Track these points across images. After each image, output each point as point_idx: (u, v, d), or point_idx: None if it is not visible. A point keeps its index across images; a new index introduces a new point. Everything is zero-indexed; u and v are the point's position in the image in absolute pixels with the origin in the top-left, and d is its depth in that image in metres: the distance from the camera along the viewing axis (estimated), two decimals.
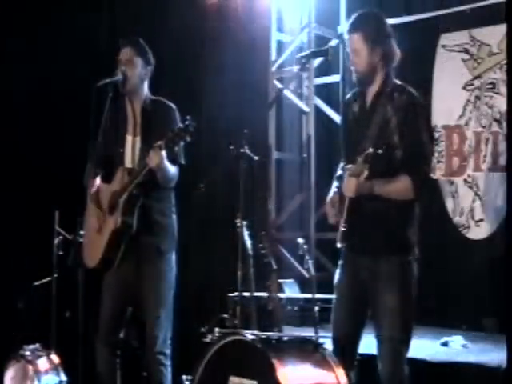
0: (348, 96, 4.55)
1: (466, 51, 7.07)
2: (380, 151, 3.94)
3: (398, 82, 4.31)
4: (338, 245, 4.26)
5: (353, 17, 4.34)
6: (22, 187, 7.31)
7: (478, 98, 7.01)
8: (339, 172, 4.44)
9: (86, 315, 4.93)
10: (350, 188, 4.07)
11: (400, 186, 4.10)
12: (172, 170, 4.77)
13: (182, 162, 4.86)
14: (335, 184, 4.39)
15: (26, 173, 7.32)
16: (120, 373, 4.92)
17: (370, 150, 3.94)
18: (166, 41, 7.21)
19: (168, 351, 4.81)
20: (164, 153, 4.56)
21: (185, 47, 7.55)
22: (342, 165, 4.44)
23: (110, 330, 4.87)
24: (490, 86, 6.94)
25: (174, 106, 4.92)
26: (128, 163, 4.89)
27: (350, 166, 4.12)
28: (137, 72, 4.88)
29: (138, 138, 4.90)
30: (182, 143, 4.52)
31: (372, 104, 4.28)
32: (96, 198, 4.88)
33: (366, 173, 3.98)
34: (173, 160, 4.75)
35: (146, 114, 4.91)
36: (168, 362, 4.82)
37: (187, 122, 4.43)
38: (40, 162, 7.35)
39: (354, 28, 4.29)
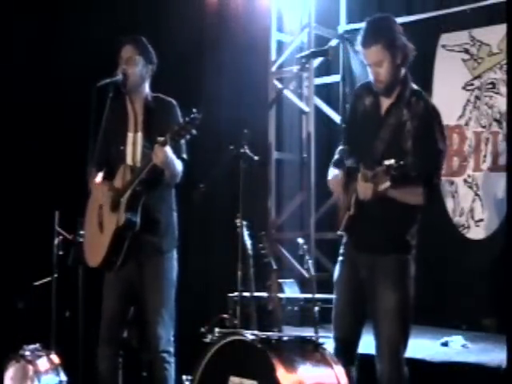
0: (358, 88, 4.48)
1: (466, 51, 7.07)
2: (402, 163, 3.88)
3: (415, 86, 4.28)
4: (339, 232, 4.27)
5: (365, 28, 4.21)
6: (22, 187, 7.31)
7: (477, 97, 7.01)
8: (337, 156, 4.41)
9: (86, 315, 4.94)
10: (366, 194, 4.04)
11: (413, 193, 4.09)
12: (179, 165, 4.76)
13: (185, 157, 4.85)
14: (335, 171, 4.35)
15: (26, 172, 7.32)
16: (121, 373, 4.92)
17: (392, 161, 3.86)
18: (165, 41, 7.20)
19: (172, 349, 4.82)
20: (169, 148, 4.55)
21: (184, 47, 7.55)
22: (340, 148, 4.41)
23: (113, 329, 4.87)
24: (490, 86, 6.94)
25: (174, 101, 4.91)
26: (129, 160, 4.88)
27: (365, 171, 4.05)
28: (137, 70, 4.87)
29: (139, 135, 4.89)
30: (187, 136, 4.49)
31: (389, 106, 4.26)
32: (98, 196, 4.88)
33: (387, 184, 3.94)
34: (177, 155, 4.74)
35: (147, 112, 4.91)
36: (172, 360, 4.83)
37: (193, 115, 4.40)
38: (40, 161, 7.36)
39: (371, 40, 4.14)
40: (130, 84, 4.84)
